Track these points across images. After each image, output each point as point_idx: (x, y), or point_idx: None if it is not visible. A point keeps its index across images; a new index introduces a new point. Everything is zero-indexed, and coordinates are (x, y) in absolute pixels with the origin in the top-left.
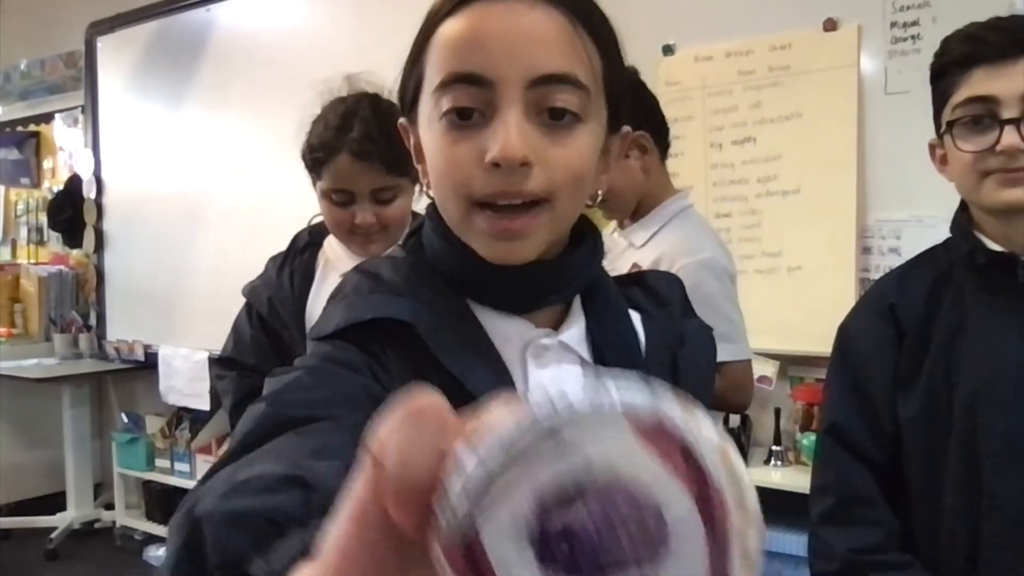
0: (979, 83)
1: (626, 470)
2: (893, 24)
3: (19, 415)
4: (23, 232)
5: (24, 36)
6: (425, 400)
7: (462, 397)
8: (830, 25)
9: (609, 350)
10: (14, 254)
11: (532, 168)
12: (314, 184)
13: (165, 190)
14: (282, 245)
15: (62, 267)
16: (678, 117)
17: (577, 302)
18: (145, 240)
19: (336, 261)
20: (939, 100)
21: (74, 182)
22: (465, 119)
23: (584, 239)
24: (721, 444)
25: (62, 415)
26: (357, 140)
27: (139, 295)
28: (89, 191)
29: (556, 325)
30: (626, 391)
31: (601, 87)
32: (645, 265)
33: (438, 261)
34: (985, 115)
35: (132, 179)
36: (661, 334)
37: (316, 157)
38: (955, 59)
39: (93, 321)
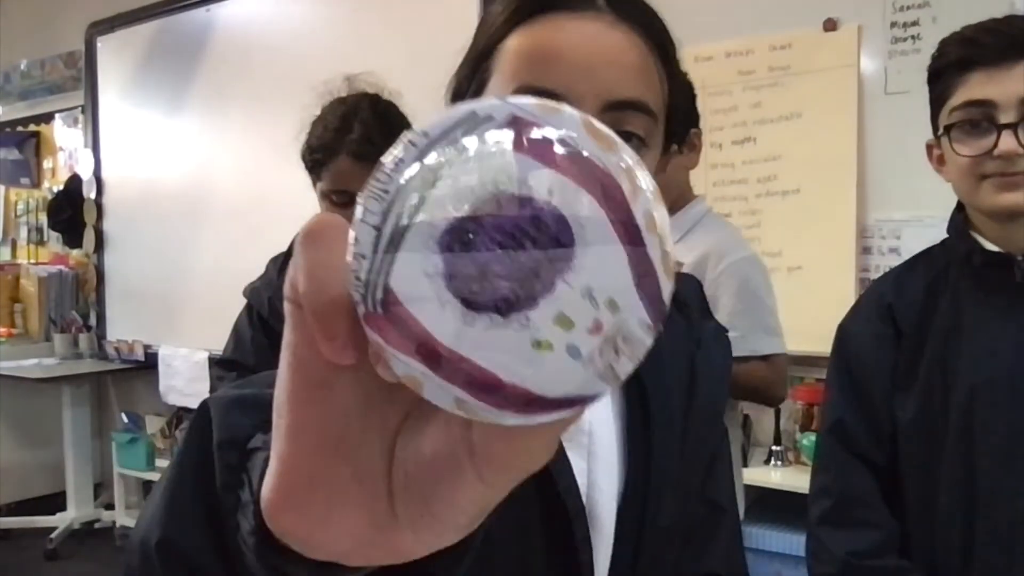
0: (976, 87)
1: (516, 180)
2: (893, 24)
3: (19, 415)
4: (23, 232)
5: (24, 36)
6: (318, 221)
7: None
8: (830, 25)
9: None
10: (14, 254)
11: None
12: (314, 185)
13: (165, 190)
14: (282, 245)
15: (62, 267)
16: None
17: None
18: (145, 240)
19: None
20: (936, 102)
21: (74, 182)
22: None
23: None
24: (583, 116)
25: (62, 415)
26: (356, 141)
27: (139, 295)
28: (89, 191)
29: None
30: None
31: (664, 113)
32: (689, 262)
33: None
34: (982, 119)
35: (132, 179)
36: (679, 336)
37: (316, 158)
38: (952, 62)
39: (93, 321)
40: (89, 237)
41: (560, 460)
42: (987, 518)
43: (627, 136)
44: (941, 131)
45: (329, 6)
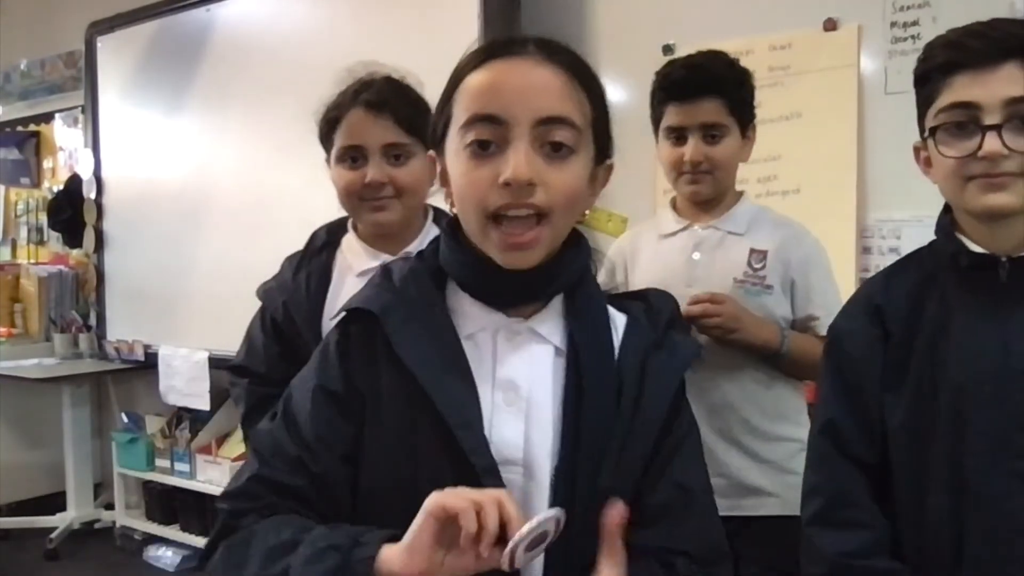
0: (961, 89)
1: None
2: (893, 24)
3: (19, 415)
4: (23, 232)
5: (24, 36)
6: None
7: (413, 381)
8: (830, 25)
9: (581, 342)
10: (14, 254)
11: (536, 187)
12: (328, 160)
13: (165, 190)
14: (282, 245)
15: (62, 267)
16: None
17: (559, 300)
18: (145, 240)
19: (354, 261)
20: (923, 104)
21: (74, 182)
22: (484, 149)
23: (569, 248)
24: None
25: (62, 415)
26: (371, 95)
27: (139, 295)
28: (89, 191)
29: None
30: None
31: (590, 128)
32: (771, 248)
33: (450, 264)
34: (967, 121)
35: (132, 179)
36: (640, 337)
37: (330, 117)
38: (937, 65)
39: (93, 321)
40: (89, 237)
41: (468, 426)
42: (977, 518)
43: (558, 146)
44: (927, 133)
45: (329, 6)
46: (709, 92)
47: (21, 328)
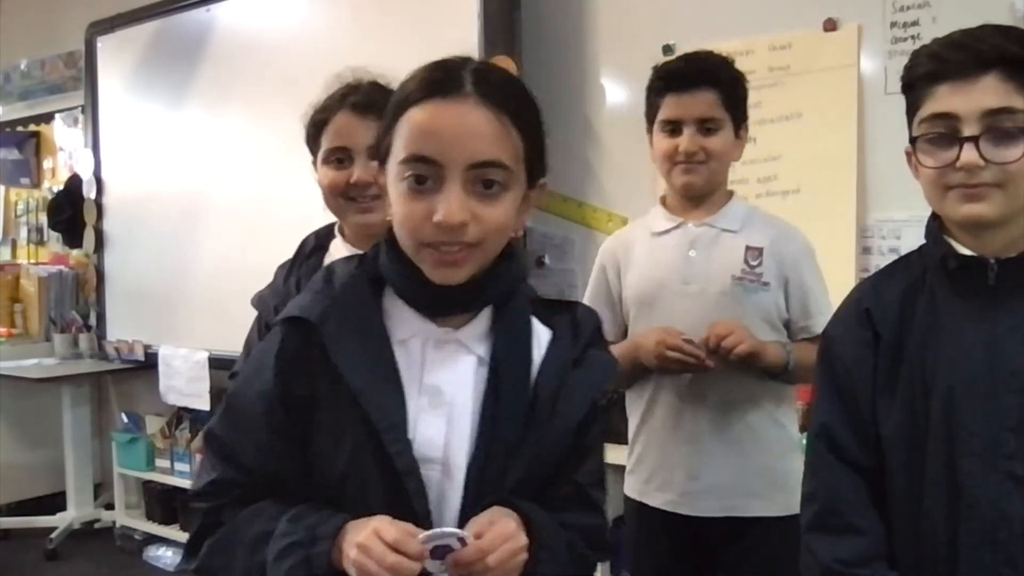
0: (942, 100)
1: None
2: (893, 24)
3: (19, 415)
4: (23, 232)
5: (24, 36)
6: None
7: (346, 388)
8: (830, 25)
9: (502, 355)
10: (14, 254)
11: (468, 225)
12: (314, 162)
13: (165, 190)
14: (282, 245)
15: (62, 267)
16: None
17: (488, 311)
18: (145, 240)
19: None
20: (909, 112)
21: (74, 182)
22: (421, 184)
23: (502, 262)
24: None
25: (62, 415)
26: (358, 98)
27: (139, 295)
28: (89, 191)
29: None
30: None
31: (522, 162)
32: (766, 245)
33: (387, 272)
34: (947, 132)
35: (132, 179)
36: (562, 353)
37: (317, 120)
38: (920, 75)
39: (93, 321)
40: (89, 237)
41: (393, 428)
42: (971, 519)
43: (490, 183)
44: (910, 142)
45: (329, 7)
46: (706, 83)
47: (21, 328)
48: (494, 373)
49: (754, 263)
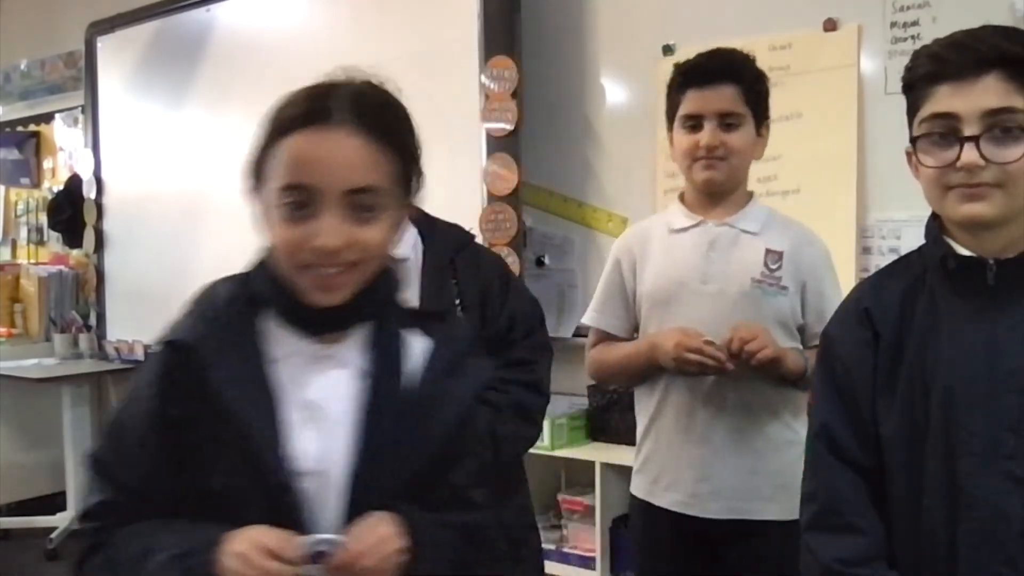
0: (942, 100)
1: None
2: (893, 24)
3: (19, 415)
4: (23, 232)
5: (24, 36)
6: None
7: (223, 407)
8: (830, 25)
9: (380, 365)
10: (14, 254)
11: (346, 249)
12: None
13: (165, 190)
14: None
15: (62, 267)
16: None
17: (365, 327)
18: (145, 240)
19: None
20: (910, 112)
21: (74, 182)
22: (299, 210)
23: (378, 280)
24: None
25: (62, 415)
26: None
27: (139, 295)
28: (89, 191)
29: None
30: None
31: (398, 181)
32: (786, 249)
33: (265, 293)
34: (947, 132)
35: (132, 179)
36: (439, 362)
37: None
38: (921, 76)
39: (93, 321)
40: (89, 237)
41: (268, 445)
42: (970, 519)
43: (367, 207)
44: (911, 142)
45: (329, 6)
46: (726, 78)
47: (21, 328)
48: (371, 385)
49: (774, 266)
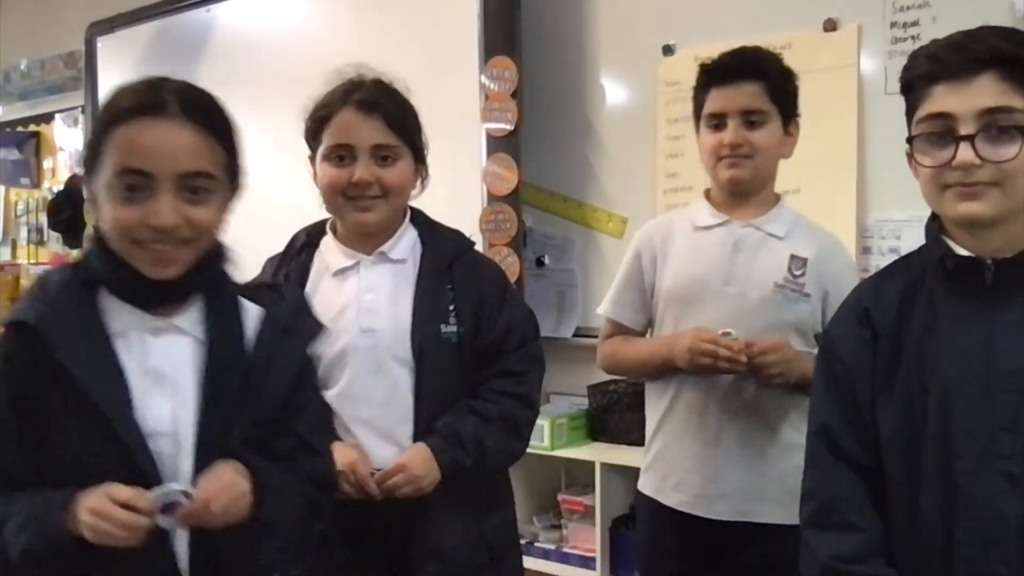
0: (939, 100)
1: None
2: (893, 24)
3: None
4: (23, 232)
5: (24, 36)
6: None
7: (71, 381)
8: (830, 25)
9: (216, 333)
10: (14, 254)
11: (180, 227)
12: (312, 160)
13: None
14: (280, 245)
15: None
16: (678, 117)
17: (200, 298)
18: None
19: (331, 260)
20: (908, 113)
21: (74, 182)
22: (133, 192)
23: (209, 254)
24: None
25: None
26: (363, 95)
27: None
28: None
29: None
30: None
31: (225, 170)
32: (810, 256)
33: (100, 272)
34: (944, 131)
35: None
36: (272, 324)
37: (319, 116)
38: (918, 76)
39: None
40: (89, 237)
41: (119, 412)
42: (967, 518)
43: (197, 189)
44: (908, 141)
45: (329, 6)
46: (750, 75)
47: None
48: (210, 351)
49: (797, 272)
